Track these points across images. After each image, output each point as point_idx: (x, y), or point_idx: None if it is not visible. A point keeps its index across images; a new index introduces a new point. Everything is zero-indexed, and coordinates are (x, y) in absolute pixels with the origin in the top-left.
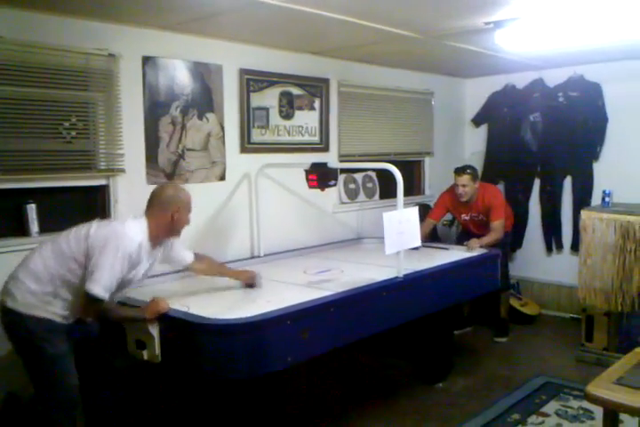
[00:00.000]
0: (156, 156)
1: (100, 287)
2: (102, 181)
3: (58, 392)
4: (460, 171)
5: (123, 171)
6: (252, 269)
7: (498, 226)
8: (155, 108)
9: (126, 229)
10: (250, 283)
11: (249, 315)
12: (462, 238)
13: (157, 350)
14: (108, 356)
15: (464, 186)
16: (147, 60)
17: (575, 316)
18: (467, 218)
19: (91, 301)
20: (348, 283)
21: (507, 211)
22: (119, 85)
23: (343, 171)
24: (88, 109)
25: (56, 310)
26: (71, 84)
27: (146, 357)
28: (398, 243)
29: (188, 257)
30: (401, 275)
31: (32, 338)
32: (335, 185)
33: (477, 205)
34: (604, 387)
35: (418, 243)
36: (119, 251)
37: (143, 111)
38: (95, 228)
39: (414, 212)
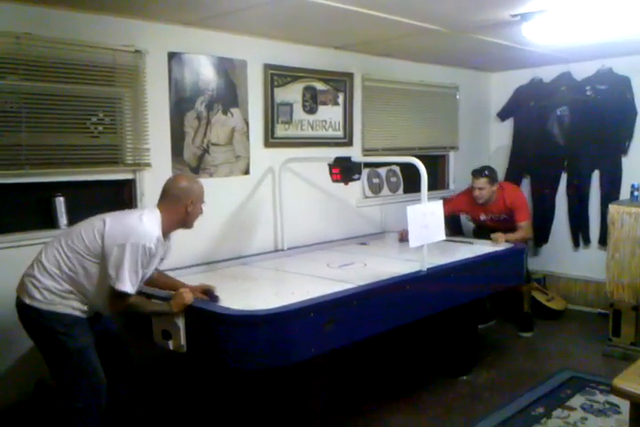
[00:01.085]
0: (182, 150)
1: (127, 283)
2: (129, 175)
3: (84, 385)
4: (477, 173)
5: (149, 165)
6: (207, 284)
7: (526, 226)
8: (180, 104)
9: (145, 224)
10: (209, 298)
11: (273, 306)
12: (479, 233)
13: (183, 341)
14: (127, 352)
15: (481, 189)
16: (172, 56)
17: (602, 311)
18: (485, 218)
19: (119, 297)
20: (372, 276)
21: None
22: (145, 81)
23: (367, 165)
24: (115, 105)
25: (75, 305)
26: (98, 80)
27: (172, 347)
28: (422, 236)
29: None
30: (425, 268)
31: (53, 333)
32: (359, 179)
33: (498, 206)
34: (631, 380)
35: (442, 237)
36: (140, 247)
37: (169, 106)
38: (110, 223)
39: (439, 205)
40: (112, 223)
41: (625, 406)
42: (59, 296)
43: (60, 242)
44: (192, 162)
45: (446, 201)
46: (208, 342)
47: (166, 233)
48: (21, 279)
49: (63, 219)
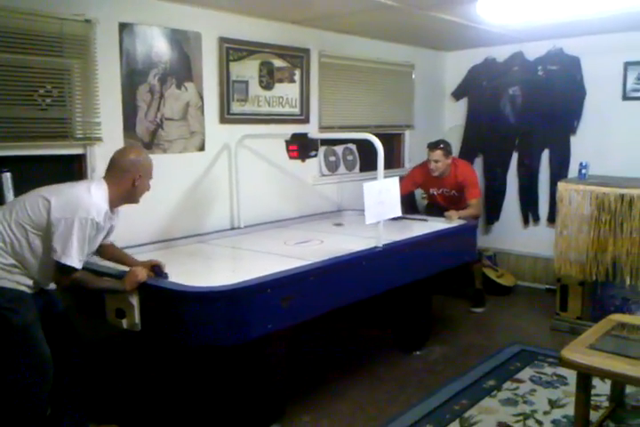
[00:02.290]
0: (134, 125)
1: (74, 258)
2: (79, 150)
3: (31, 360)
4: (432, 146)
5: (100, 140)
6: (156, 259)
7: (476, 204)
8: (132, 76)
9: (93, 197)
10: (155, 274)
11: (229, 283)
12: (430, 211)
13: (137, 319)
14: (74, 329)
15: (436, 161)
16: (123, 27)
17: (550, 287)
18: (437, 192)
19: (65, 272)
20: (328, 253)
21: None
22: (95, 52)
23: (323, 143)
24: (63, 76)
25: (19, 280)
26: (45, 50)
27: (125, 325)
28: (378, 213)
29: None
30: (380, 245)
31: None
32: (316, 156)
33: (449, 181)
34: (578, 351)
35: (398, 213)
36: (88, 221)
37: (120, 79)
38: (56, 196)
39: (395, 182)
40: (58, 196)
41: (572, 377)
42: (3, 270)
43: (4, 215)
44: (145, 137)
45: (401, 179)
46: (163, 319)
47: (112, 207)
48: None
49: (10, 195)
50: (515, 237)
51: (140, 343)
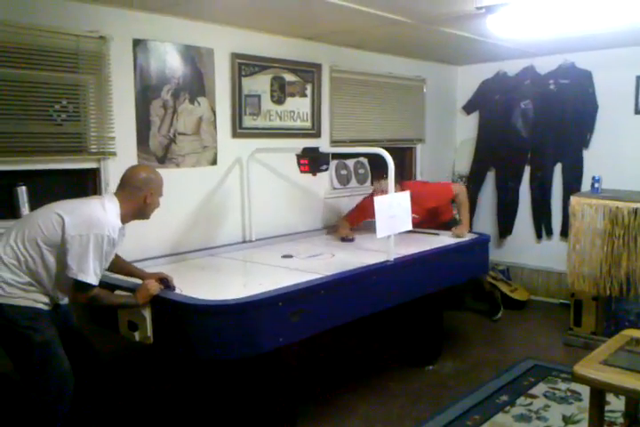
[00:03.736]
0: (148, 139)
1: (91, 275)
2: (93, 164)
3: (51, 378)
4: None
5: (114, 154)
6: (163, 272)
7: (462, 198)
8: (146, 92)
9: (107, 214)
10: (163, 287)
11: (240, 296)
12: None
13: (149, 332)
14: (88, 343)
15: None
16: (137, 43)
17: (564, 301)
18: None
19: (81, 289)
20: (339, 267)
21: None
22: (110, 68)
23: (335, 157)
24: (79, 92)
25: (36, 297)
26: (61, 67)
27: (138, 338)
28: (389, 227)
29: None
30: (391, 259)
31: (16, 328)
32: (327, 170)
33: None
34: (591, 367)
35: (409, 227)
36: (105, 238)
37: (134, 94)
38: (70, 212)
39: (406, 196)
40: (73, 213)
41: (586, 393)
42: (19, 289)
43: (17, 232)
44: (158, 151)
45: (354, 210)
46: (175, 332)
47: (123, 222)
48: None
49: (25, 209)
50: (528, 251)
51: (152, 356)
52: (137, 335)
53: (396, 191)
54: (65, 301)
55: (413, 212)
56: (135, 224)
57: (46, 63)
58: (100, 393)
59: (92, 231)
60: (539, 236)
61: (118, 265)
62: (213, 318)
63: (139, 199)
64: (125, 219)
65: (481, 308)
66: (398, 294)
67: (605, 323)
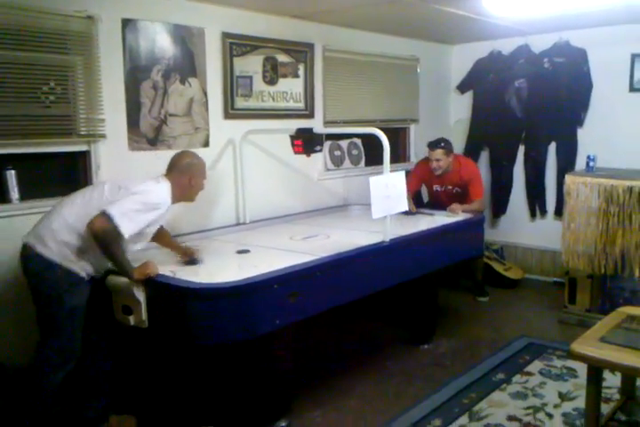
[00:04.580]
0: (138, 121)
1: (120, 213)
2: (83, 147)
3: (64, 343)
4: (432, 145)
5: (104, 136)
6: (194, 246)
7: (478, 203)
8: (135, 73)
9: (161, 186)
10: (189, 260)
11: (236, 279)
12: (433, 207)
13: (144, 316)
14: (105, 318)
15: (438, 160)
16: (126, 23)
17: (558, 280)
18: (440, 189)
19: (103, 217)
20: (335, 248)
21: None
22: (98, 49)
23: (328, 137)
24: (67, 73)
25: (84, 266)
26: (49, 48)
27: (132, 322)
28: (385, 207)
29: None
30: (387, 239)
31: (56, 287)
32: (321, 151)
33: (453, 178)
34: (588, 345)
35: (404, 207)
36: (152, 204)
37: (124, 75)
38: (130, 183)
39: (401, 176)
40: (132, 182)
41: (582, 370)
42: (73, 253)
43: (81, 199)
44: (149, 133)
45: (410, 178)
46: (170, 316)
47: (172, 202)
48: (36, 230)
49: (14, 193)
50: (522, 230)
51: (149, 339)
52: (132, 319)
53: (448, 159)
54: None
55: (457, 185)
56: None
57: (33, 44)
58: (110, 370)
59: (145, 194)
60: (533, 215)
61: (161, 235)
62: (208, 302)
63: (184, 181)
64: (175, 199)
65: (468, 286)
66: (394, 275)
67: (600, 300)
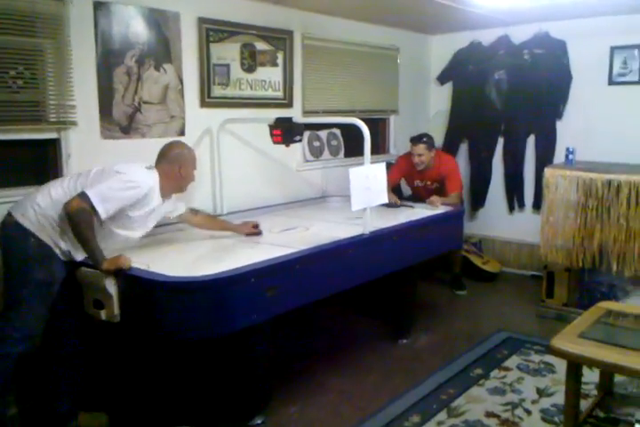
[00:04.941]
0: (111, 108)
1: (97, 195)
2: (53, 135)
3: (24, 317)
4: (415, 140)
5: (75, 124)
6: (253, 220)
7: (454, 198)
8: (108, 58)
9: (144, 171)
10: (252, 233)
11: (212, 273)
12: (414, 200)
13: (116, 310)
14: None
15: (420, 155)
16: (99, 6)
17: (536, 273)
18: (420, 184)
19: (80, 197)
20: (314, 240)
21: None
22: (69, 32)
23: (307, 128)
24: (36, 57)
25: (59, 242)
26: (16, 30)
27: (104, 317)
28: (365, 199)
29: (181, 207)
30: (367, 232)
31: (25, 257)
32: (300, 141)
33: (432, 174)
34: (568, 340)
35: (385, 200)
36: (134, 188)
37: (96, 60)
38: (120, 164)
39: (381, 168)
40: (119, 164)
41: (560, 365)
42: (51, 226)
43: (70, 180)
44: (122, 121)
45: (391, 171)
46: (143, 311)
47: (164, 193)
48: (21, 201)
49: None
50: (500, 223)
51: (121, 334)
52: (103, 314)
53: (430, 154)
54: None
55: (436, 180)
56: None
57: (0, 26)
58: (80, 367)
59: (129, 176)
60: (511, 208)
61: (212, 222)
62: (182, 296)
63: (174, 171)
64: (165, 190)
65: (446, 278)
66: (374, 269)
67: (578, 295)
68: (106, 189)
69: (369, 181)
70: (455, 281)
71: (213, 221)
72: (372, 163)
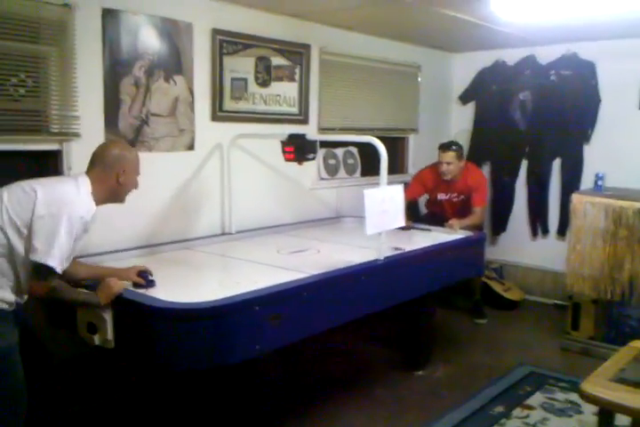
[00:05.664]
0: (117, 120)
1: (57, 259)
2: (55, 146)
3: (9, 389)
4: (445, 147)
5: (78, 135)
6: (140, 264)
7: (480, 212)
8: (116, 68)
9: (82, 195)
10: (137, 283)
11: (213, 298)
12: (428, 220)
13: (110, 335)
14: (44, 348)
15: (449, 163)
16: (107, 13)
17: (559, 302)
18: (445, 198)
19: (44, 276)
20: (325, 265)
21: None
22: (75, 39)
23: (323, 145)
24: (39, 65)
25: (4, 295)
26: (20, 36)
27: (97, 342)
28: (380, 223)
29: None
30: (382, 257)
31: None
32: (314, 159)
33: (459, 185)
34: (599, 385)
35: (401, 223)
36: (77, 219)
37: (102, 70)
38: (43, 188)
39: (399, 190)
40: (46, 187)
41: (586, 405)
42: None
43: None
44: (128, 133)
45: (412, 183)
46: (139, 337)
47: (96, 205)
48: None
49: None
50: (522, 249)
51: (115, 361)
52: (96, 339)
53: (459, 164)
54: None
55: (464, 192)
56: (102, 213)
57: (2, 31)
58: (51, 399)
59: (65, 211)
60: (534, 234)
61: (81, 270)
62: (181, 324)
63: (111, 178)
64: (99, 201)
65: (466, 306)
66: (388, 296)
67: (605, 328)
68: (63, 245)
69: (385, 203)
70: (475, 309)
71: (79, 267)
72: (389, 183)
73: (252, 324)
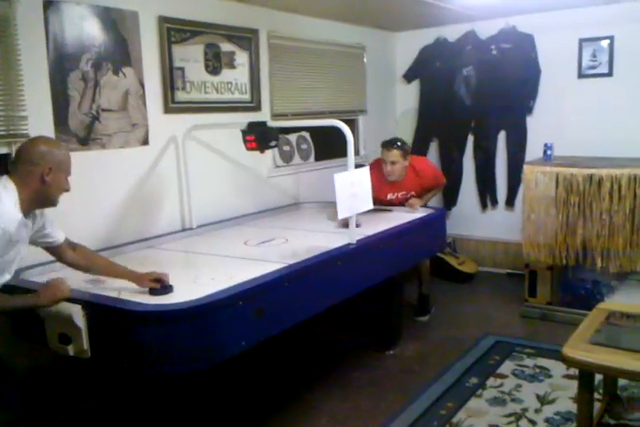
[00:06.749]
0: (67, 118)
1: None
2: (3, 149)
3: None
4: (388, 145)
5: (27, 136)
6: (161, 271)
7: (441, 188)
8: (61, 62)
9: (5, 203)
10: (155, 287)
11: (194, 297)
12: None
13: (86, 345)
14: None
15: (393, 163)
16: (49, 5)
17: (512, 271)
18: (393, 198)
19: None
20: (297, 253)
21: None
22: (17, 35)
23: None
24: None
25: None
26: None
27: (72, 352)
28: (351, 206)
29: (61, 236)
30: (354, 241)
31: None
32: (277, 146)
33: (408, 183)
34: (579, 348)
35: (370, 206)
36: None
37: (48, 65)
38: None
39: (365, 172)
40: None
41: (555, 368)
42: None
43: None
44: (80, 131)
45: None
46: (117, 344)
47: (25, 212)
48: None
49: None
50: (473, 222)
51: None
52: (71, 349)
53: (404, 163)
54: None
55: (413, 189)
56: (57, 214)
57: None
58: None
59: None
60: (484, 206)
61: (99, 265)
62: (163, 327)
63: (34, 178)
64: (29, 206)
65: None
66: (363, 279)
67: (561, 293)
68: None
69: (354, 186)
70: (420, 304)
71: (95, 261)
72: (340, 167)
73: (237, 320)
